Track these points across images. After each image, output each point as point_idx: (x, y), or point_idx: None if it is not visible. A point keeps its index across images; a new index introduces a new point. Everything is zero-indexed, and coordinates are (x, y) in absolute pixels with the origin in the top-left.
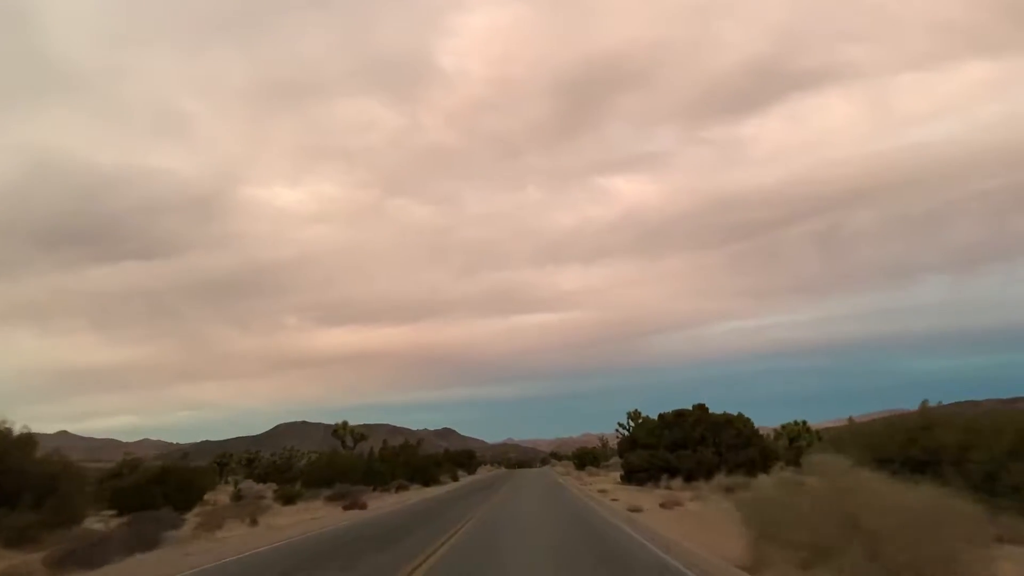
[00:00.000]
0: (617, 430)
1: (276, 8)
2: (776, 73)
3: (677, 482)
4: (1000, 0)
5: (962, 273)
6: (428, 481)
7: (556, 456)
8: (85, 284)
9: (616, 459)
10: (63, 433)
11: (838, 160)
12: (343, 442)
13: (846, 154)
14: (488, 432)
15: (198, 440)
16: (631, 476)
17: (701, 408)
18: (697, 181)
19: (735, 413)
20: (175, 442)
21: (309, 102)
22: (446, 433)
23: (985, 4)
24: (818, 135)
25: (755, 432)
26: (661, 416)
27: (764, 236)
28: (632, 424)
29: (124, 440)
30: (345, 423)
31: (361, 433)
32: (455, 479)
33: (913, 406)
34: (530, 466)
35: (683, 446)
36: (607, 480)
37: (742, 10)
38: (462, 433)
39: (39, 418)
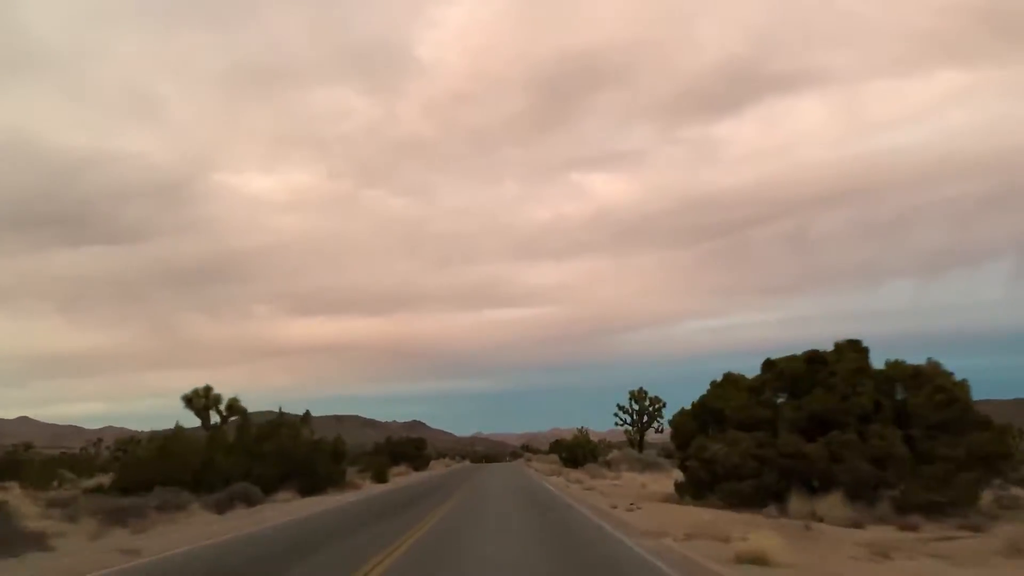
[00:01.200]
0: (617, 416)
1: None
2: (751, 75)
3: (829, 503)
4: (971, 9)
5: (927, 278)
6: (316, 486)
7: (528, 449)
8: (51, 268)
9: (616, 453)
10: (24, 419)
11: (809, 163)
12: (204, 419)
13: (817, 157)
14: (457, 425)
15: (161, 428)
16: (701, 487)
17: (856, 348)
18: (671, 180)
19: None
20: (139, 429)
21: (284, 89)
22: (415, 426)
23: (957, 13)
24: (790, 138)
25: (969, 402)
26: (769, 364)
27: (735, 236)
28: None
29: (87, 427)
30: (208, 388)
31: (234, 405)
32: (381, 481)
33: None
34: (498, 460)
35: (834, 423)
36: (649, 490)
37: (719, 11)
38: (431, 426)
39: (2, 403)
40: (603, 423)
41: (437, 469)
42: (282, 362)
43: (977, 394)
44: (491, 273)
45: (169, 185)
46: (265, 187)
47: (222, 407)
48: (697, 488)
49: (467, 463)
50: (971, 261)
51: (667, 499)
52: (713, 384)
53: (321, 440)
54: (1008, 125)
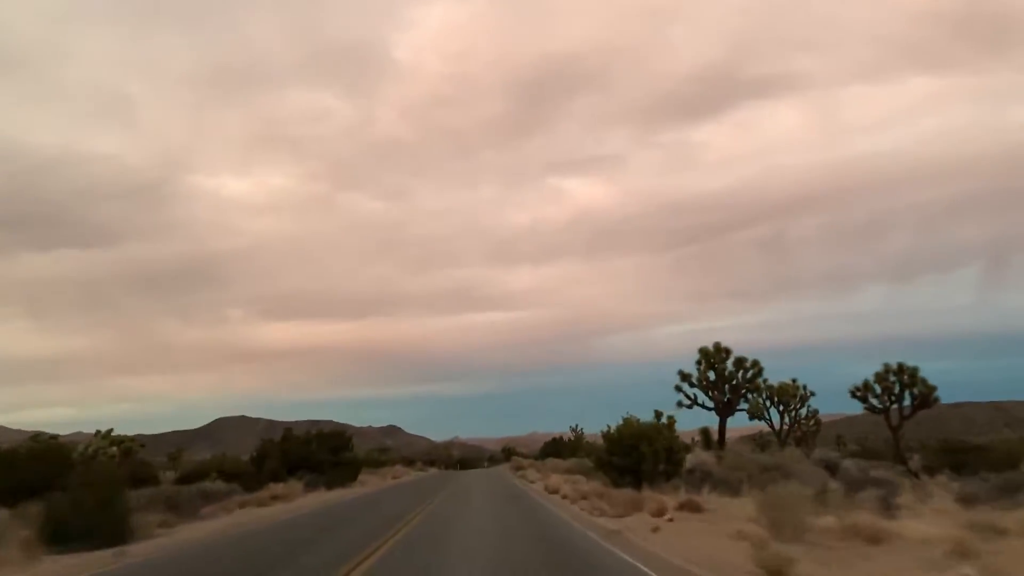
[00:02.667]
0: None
1: None
2: (729, 80)
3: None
4: (946, 16)
5: (899, 282)
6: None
7: (510, 453)
8: (19, 271)
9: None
10: None
11: (784, 168)
12: None
13: (792, 162)
14: (434, 430)
15: (132, 433)
16: None
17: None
18: (648, 185)
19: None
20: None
21: (259, 91)
22: (392, 430)
23: (931, 20)
24: (766, 143)
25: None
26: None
27: (711, 240)
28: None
29: (57, 432)
30: None
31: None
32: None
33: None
34: (475, 465)
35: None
36: None
37: (698, 15)
38: (408, 431)
39: None
40: (585, 425)
41: (370, 485)
42: (256, 366)
43: (955, 397)
44: (469, 276)
45: (142, 187)
46: (240, 190)
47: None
48: None
49: (433, 471)
50: (942, 266)
51: None
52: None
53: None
54: (977, 132)
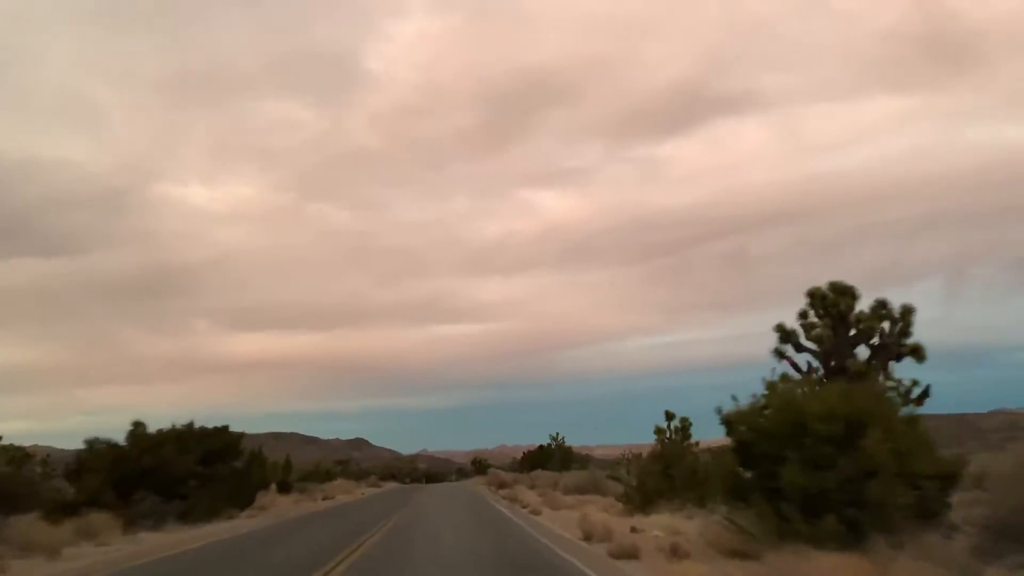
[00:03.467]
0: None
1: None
2: (698, 96)
3: None
4: (912, 36)
5: (864, 296)
6: None
7: (483, 465)
8: None
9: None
10: None
11: (751, 184)
12: None
13: (759, 179)
14: (402, 443)
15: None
16: None
17: None
18: (618, 199)
19: None
20: (68, 448)
21: (229, 99)
22: (359, 443)
23: (898, 39)
24: (734, 159)
25: None
26: None
27: (680, 254)
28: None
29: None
30: None
31: None
32: None
33: None
34: (443, 479)
35: None
36: None
37: (669, 32)
38: (375, 443)
39: None
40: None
41: (276, 512)
42: (222, 378)
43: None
44: (438, 289)
45: (107, 195)
46: (208, 199)
47: None
48: None
49: (392, 486)
50: (905, 281)
51: None
52: None
53: None
54: (939, 151)
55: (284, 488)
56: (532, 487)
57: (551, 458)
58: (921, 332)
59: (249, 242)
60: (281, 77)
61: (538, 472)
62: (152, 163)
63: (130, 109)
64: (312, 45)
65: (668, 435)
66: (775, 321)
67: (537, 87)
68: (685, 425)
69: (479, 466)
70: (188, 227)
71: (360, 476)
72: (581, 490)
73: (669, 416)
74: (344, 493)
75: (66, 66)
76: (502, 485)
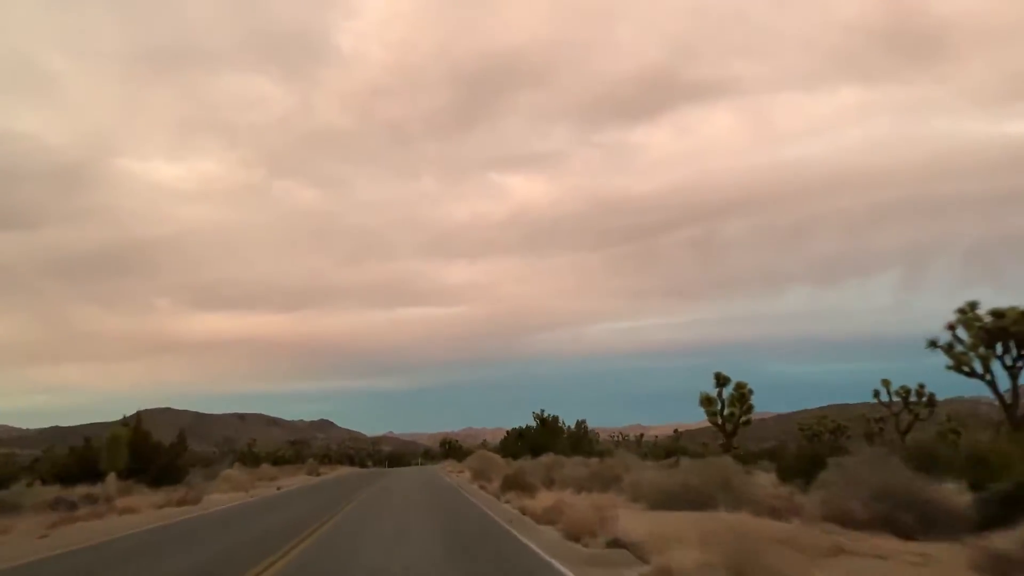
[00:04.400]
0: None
1: None
2: (667, 82)
3: None
4: (876, 28)
5: (822, 284)
6: None
7: (454, 447)
8: None
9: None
10: None
11: (717, 171)
12: None
13: (725, 166)
14: (367, 424)
15: (46, 425)
16: None
17: None
18: (586, 183)
19: None
20: (27, 428)
21: (194, 73)
22: (324, 425)
23: (862, 31)
24: (701, 146)
25: None
26: None
27: (646, 240)
28: None
29: None
30: None
31: None
32: None
33: (779, 408)
34: (407, 462)
35: None
36: None
37: (640, 17)
38: (340, 425)
39: None
40: (514, 421)
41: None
42: (183, 357)
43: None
44: (405, 270)
45: (65, 169)
46: (171, 175)
47: None
48: None
49: (343, 472)
50: (863, 270)
51: None
52: None
53: None
54: (898, 142)
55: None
56: (549, 484)
57: (553, 439)
58: (874, 321)
59: (214, 219)
60: (249, 52)
61: (548, 459)
62: (114, 137)
63: (90, 80)
64: (281, 20)
65: (720, 407)
66: (739, 308)
67: (508, 69)
68: (743, 392)
69: (449, 448)
70: (150, 204)
71: (323, 459)
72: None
73: (721, 381)
74: (278, 483)
75: (19, 33)
76: (481, 477)
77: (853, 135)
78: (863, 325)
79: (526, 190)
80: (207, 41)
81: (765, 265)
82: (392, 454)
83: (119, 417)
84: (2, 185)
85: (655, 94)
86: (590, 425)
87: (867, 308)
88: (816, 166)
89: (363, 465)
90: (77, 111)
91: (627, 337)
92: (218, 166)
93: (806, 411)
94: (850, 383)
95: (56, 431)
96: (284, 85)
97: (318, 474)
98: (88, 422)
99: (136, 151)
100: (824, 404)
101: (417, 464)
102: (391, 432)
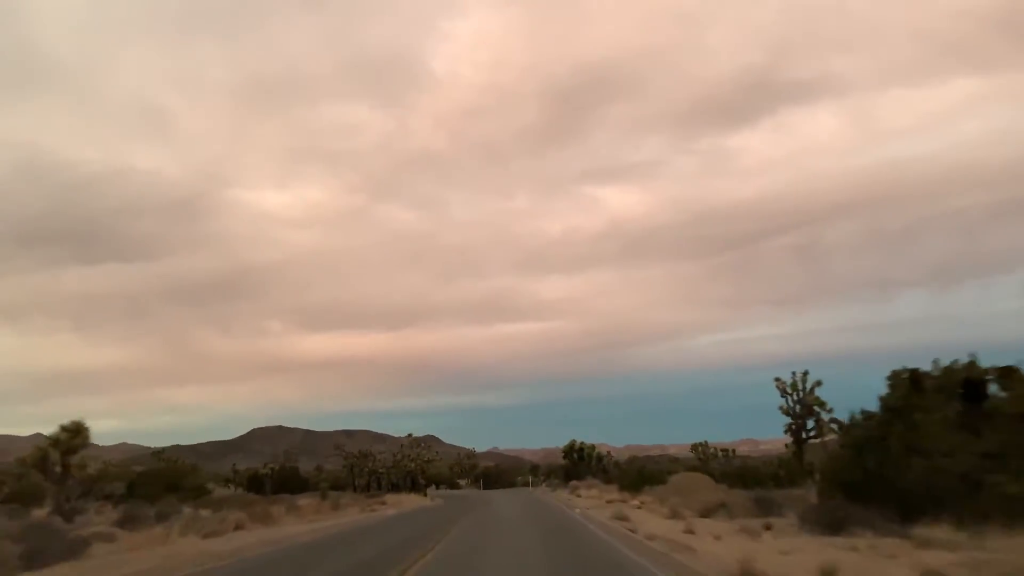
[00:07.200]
0: None
1: (263, 5)
2: (765, 83)
3: None
4: (988, 14)
5: (938, 289)
6: None
7: (579, 460)
8: (63, 285)
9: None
10: (37, 435)
11: (821, 173)
12: None
13: (829, 167)
14: (473, 440)
15: (167, 444)
16: None
17: None
18: (683, 192)
19: None
20: (152, 446)
21: (297, 103)
22: (430, 440)
23: (974, 18)
24: (802, 148)
25: None
26: None
27: (747, 248)
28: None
29: (101, 444)
30: None
31: None
32: None
33: None
34: (509, 483)
35: None
36: None
37: (733, 17)
38: (446, 440)
39: (16, 420)
40: (621, 437)
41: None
42: (293, 377)
43: None
44: (502, 287)
45: (181, 201)
46: (279, 203)
47: None
48: None
49: (433, 502)
50: (983, 272)
51: None
52: None
53: None
54: (1019, 134)
55: None
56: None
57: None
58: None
59: (319, 243)
60: (347, 80)
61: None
62: (225, 168)
63: (202, 116)
64: (376, 48)
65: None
66: (847, 315)
67: (599, 81)
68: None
69: (578, 462)
70: (260, 231)
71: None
72: None
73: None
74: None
75: (140, 75)
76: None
77: (968, 129)
78: (984, 331)
79: (620, 201)
80: (308, 72)
81: (874, 270)
82: (494, 471)
83: (235, 435)
84: (126, 219)
85: (751, 96)
86: (696, 439)
87: (989, 313)
88: (928, 163)
89: (454, 486)
90: (190, 145)
91: (730, 349)
92: (322, 193)
93: None
94: None
95: (176, 449)
96: (381, 111)
97: (375, 510)
98: (205, 440)
99: (245, 181)
100: None
101: (522, 485)
102: (495, 447)
